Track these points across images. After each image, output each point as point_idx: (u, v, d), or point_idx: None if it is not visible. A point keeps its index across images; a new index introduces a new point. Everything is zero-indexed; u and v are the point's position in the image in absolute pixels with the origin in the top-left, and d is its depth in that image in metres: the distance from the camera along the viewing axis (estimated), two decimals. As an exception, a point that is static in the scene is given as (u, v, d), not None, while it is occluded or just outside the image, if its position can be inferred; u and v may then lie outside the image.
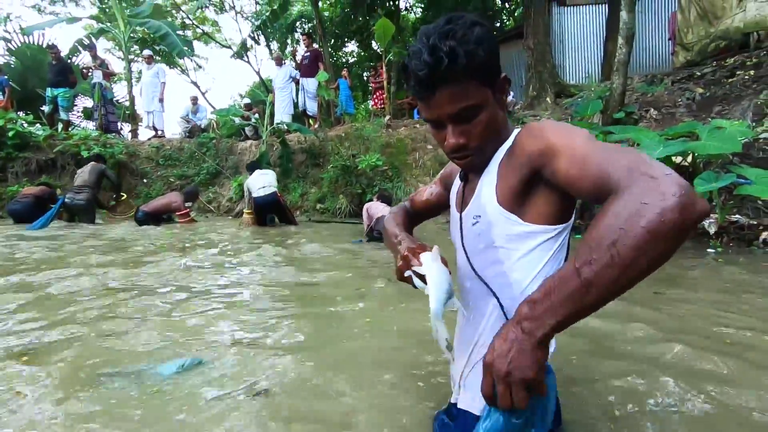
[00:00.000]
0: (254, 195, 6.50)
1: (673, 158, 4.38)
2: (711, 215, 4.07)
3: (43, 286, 2.65)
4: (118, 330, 1.94)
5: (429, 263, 0.87)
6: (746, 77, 6.34)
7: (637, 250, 0.56)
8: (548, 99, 8.60)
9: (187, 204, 7.12)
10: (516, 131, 0.90)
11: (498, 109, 0.87)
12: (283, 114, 8.96)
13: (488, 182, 0.89)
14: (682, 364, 1.52)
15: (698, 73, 7.14)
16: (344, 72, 10.77)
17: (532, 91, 8.87)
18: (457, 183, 1.07)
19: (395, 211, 1.25)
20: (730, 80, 6.51)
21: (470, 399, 0.95)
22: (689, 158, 4.51)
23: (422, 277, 0.87)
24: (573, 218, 0.88)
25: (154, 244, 4.68)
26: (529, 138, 0.82)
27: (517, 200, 0.84)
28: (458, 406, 0.98)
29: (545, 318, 0.62)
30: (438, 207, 1.23)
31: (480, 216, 0.90)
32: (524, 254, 0.86)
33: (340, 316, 2.17)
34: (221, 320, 2.08)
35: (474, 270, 0.95)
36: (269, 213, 6.68)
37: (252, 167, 6.95)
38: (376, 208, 5.04)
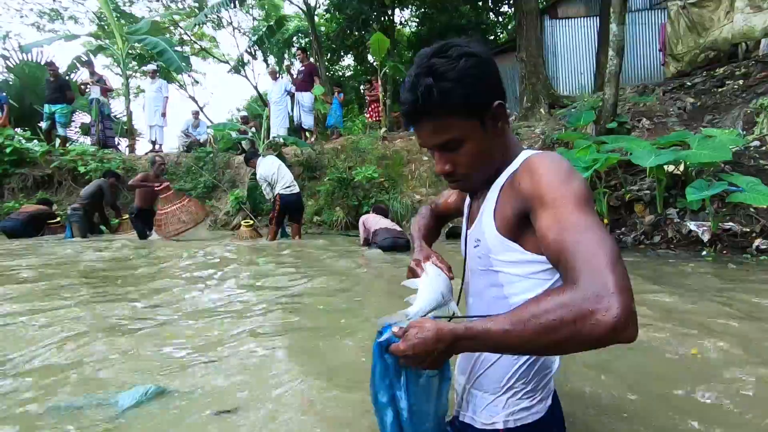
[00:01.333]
0: (282, 192, 5.81)
1: (665, 167, 4.42)
2: (704, 223, 4.10)
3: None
4: (74, 357, 1.80)
5: (427, 271, 0.97)
6: (735, 87, 6.44)
7: (559, 341, 0.62)
8: (542, 110, 8.69)
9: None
10: (521, 156, 0.88)
11: (492, 137, 0.86)
12: (278, 128, 9.03)
13: (488, 208, 0.89)
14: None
15: (689, 83, 7.25)
16: (336, 90, 10.80)
17: (526, 103, 8.96)
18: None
19: (422, 212, 1.33)
20: (720, 90, 6.60)
21: (472, 413, 0.96)
22: (681, 167, 4.56)
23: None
24: None
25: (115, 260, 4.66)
26: (527, 175, 0.81)
27: (515, 229, 0.85)
28: (460, 419, 0.99)
29: (468, 347, 0.71)
30: (458, 211, 1.25)
31: (480, 240, 0.91)
32: (522, 279, 0.87)
33: (324, 334, 2.08)
34: (191, 345, 1.95)
35: (476, 288, 0.97)
36: (293, 214, 6.16)
37: (255, 154, 6.27)
38: (372, 221, 5.05)
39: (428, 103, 0.80)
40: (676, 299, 2.49)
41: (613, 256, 0.64)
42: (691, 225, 4.18)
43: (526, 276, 0.86)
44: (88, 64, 9.64)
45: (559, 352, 0.64)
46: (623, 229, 4.74)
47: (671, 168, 4.56)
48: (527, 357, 0.91)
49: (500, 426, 0.92)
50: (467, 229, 1.00)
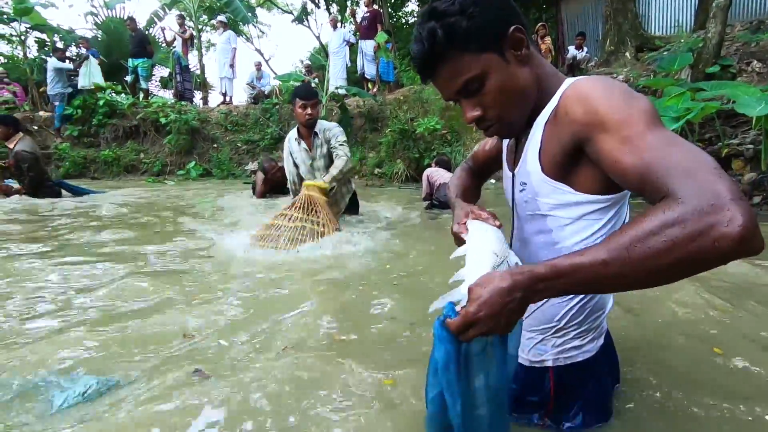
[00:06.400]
0: None
1: (777, 117, 3.82)
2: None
3: None
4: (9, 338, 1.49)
5: (471, 231, 0.84)
6: None
7: (672, 264, 0.54)
8: (627, 54, 7.76)
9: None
10: (564, 86, 0.79)
11: (516, 68, 0.78)
12: (336, 79, 8.94)
13: (533, 148, 0.83)
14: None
15: (820, 16, 6.05)
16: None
17: (609, 46, 8.04)
18: None
19: (457, 174, 1.22)
20: None
21: (519, 351, 0.96)
22: (798, 117, 3.92)
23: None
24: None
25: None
26: (576, 103, 0.72)
27: (563, 168, 0.79)
28: None
29: (551, 290, 0.62)
30: (500, 158, 1.16)
31: (526, 183, 0.86)
32: (572, 222, 0.82)
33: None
34: (165, 323, 1.61)
35: (522, 234, 0.94)
36: None
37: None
38: (436, 175, 4.88)
39: (435, 45, 0.75)
40: None
41: (714, 165, 0.57)
42: (802, 184, 3.65)
43: (577, 218, 0.81)
44: (180, 17, 10.02)
45: (670, 278, 0.56)
46: (715, 187, 4.26)
47: (784, 118, 3.94)
48: (580, 298, 0.88)
49: (550, 363, 0.93)
50: (511, 171, 0.95)
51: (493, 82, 0.78)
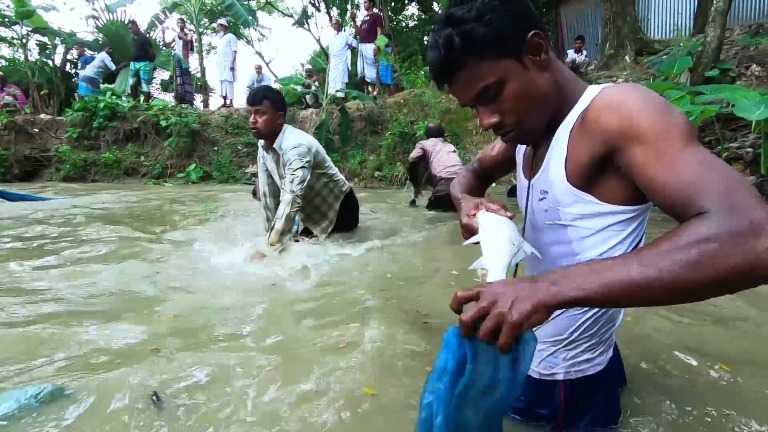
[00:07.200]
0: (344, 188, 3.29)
1: (777, 120, 3.84)
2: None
3: None
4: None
5: (482, 223, 0.81)
6: None
7: (706, 281, 0.52)
8: (627, 58, 7.80)
9: None
10: (589, 92, 0.78)
11: (535, 74, 0.77)
12: (336, 82, 8.95)
13: (557, 156, 0.80)
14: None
15: (818, 20, 6.09)
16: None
17: (608, 49, 8.07)
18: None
19: (462, 174, 1.20)
20: None
21: (526, 365, 0.95)
22: (797, 120, 3.93)
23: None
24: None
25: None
26: (609, 111, 0.70)
27: (589, 178, 0.76)
28: None
29: (574, 293, 0.57)
30: (508, 163, 1.13)
31: (547, 192, 0.83)
32: (594, 233, 0.80)
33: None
34: (123, 327, 1.55)
35: (538, 245, 0.91)
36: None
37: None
38: (437, 162, 4.44)
39: (451, 52, 0.74)
40: None
41: (753, 189, 0.56)
42: (802, 188, 3.66)
43: (599, 230, 0.79)
44: (180, 21, 10.06)
45: (695, 295, 0.54)
46: (715, 190, 4.27)
47: (784, 122, 3.95)
48: (595, 310, 0.86)
49: (560, 377, 0.91)
50: (528, 179, 0.91)
51: (512, 88, 0.76)
